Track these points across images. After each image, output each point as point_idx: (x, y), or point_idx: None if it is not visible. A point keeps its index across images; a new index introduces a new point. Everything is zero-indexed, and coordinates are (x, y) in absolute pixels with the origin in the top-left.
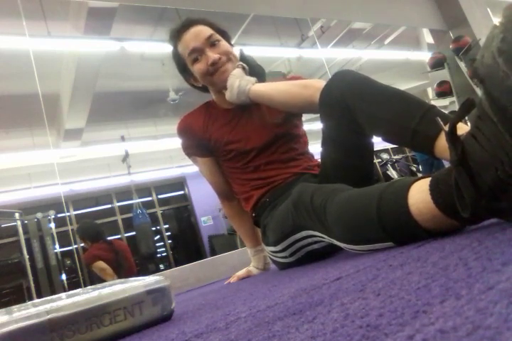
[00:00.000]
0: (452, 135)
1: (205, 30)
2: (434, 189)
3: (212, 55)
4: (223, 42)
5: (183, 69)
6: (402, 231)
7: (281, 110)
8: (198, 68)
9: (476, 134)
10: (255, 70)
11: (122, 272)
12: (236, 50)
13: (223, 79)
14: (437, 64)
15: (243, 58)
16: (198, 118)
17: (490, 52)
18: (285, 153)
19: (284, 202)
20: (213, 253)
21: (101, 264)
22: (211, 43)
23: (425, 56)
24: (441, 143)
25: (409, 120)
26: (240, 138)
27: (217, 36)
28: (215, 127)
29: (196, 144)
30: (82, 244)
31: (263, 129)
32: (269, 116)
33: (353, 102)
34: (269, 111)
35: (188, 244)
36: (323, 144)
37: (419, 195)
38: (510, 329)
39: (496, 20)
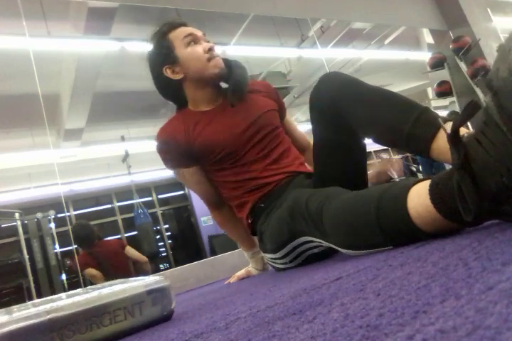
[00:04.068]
0: (455, 137)
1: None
2: (433, 192)
3: (208, 44)
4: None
5: (169, 57)
6: (402, 235)
7: (261, 106)
8: (194, 50)
9: (480, 139)
10: (237, 67)
11: (108, 276)
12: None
13: (219, 65)
14: (437, 64)
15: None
16: (178, 126)
17: (506, 65)
18: (273, 149)
19: (279, 208)
20: (213, 253)
21: (91, 271)
22: (205, 40)
23: (425, 56)
24: (437, 146)
25: (403, 123)
26: (224, 136)
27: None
28: (196, 131)
29: (181, 154)
30: None
31: (245, 126)
32: (248, 113)
33: (343, 105)
34: (250, 108)
35: (188, 244)
36: (315, 146)
37: (419, 198)
38: (510, 330)
39: (496, 20)
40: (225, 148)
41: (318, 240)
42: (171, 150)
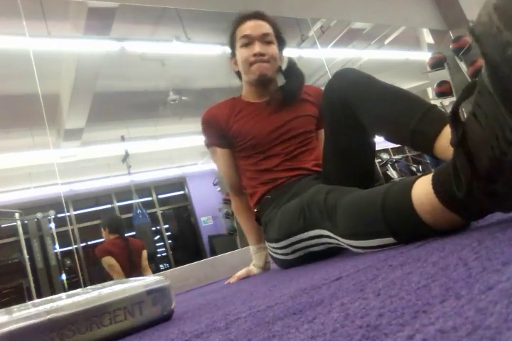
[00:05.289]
0: (454, 116)
1: (267, 27)
2: (435, 178)
3: (260, 48)
4: (274, 47)
5: (232, 50)
6: (403, 224)
7: (300, 110)
8: (242, 53)
9: (475, 111)
10: (297, 76)
11: (134, 271)
12: (285, 59)
13: (259, 72)
14: (437, 64)
15: (290, 64)
16: (224, 109)
17: (486, 10)
18: (296, 149)
19: (292, 200)
20: (213, 253)
21: (110, 260)
22: (265, 41)
23: (425, 56)
24: (441, 143)
25: (409, 119)
26: (255, 130)
27: (273, 39)
28: (237, 118)
29: (218, 134)
30: (83, 244)
31: (277, 125)
32: (286, 114)
33: (354, 101)
34: (290, 109)
35: (188, 244)
36: (326, 142)
37: (422, 186)
38: (510, 330)
39: None
40: (253, 139)
41: (327, 233)
42: (211, 129)
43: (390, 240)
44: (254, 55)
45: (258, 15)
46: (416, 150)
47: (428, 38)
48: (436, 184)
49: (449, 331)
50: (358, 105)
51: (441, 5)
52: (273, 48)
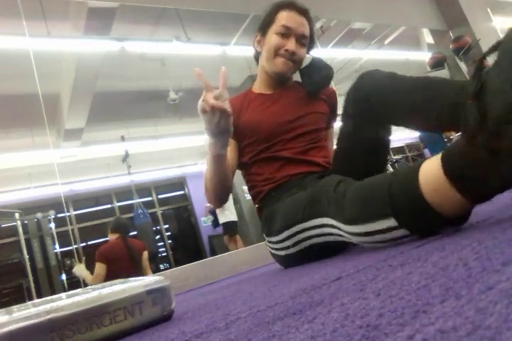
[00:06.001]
0: (478, 69)
1: (307, 29)
2: (444, 155)
3: (294, 46)
4: (304, 50)
5: (263, 29)
6: (407, 203)
7: (312, 107)
8: (274, 39)
9: (498, 59)
10: (322, 72)
11: (136, 271)
12: (308, 58)
13: (280, 69)
14: (437, 64)
15: (313, 61)
16: (237, 101)
17: None
18: (305, 145)
19: (301, 191)
20: (213, 253)
21: (100, 268)
22: (300, 41)
23: (425, 56)
24: None
25: (448, 96)
26: (266, 121)
27: (306, 42)
28: (248, 110)
29: None
30: (83, 244)
31: (289, 119)
32: (298, 108)
33: (384, 98)
34: (303, 104)
35: (188, 244)
36: (340, 140)
37: (431, 164)
38: (510, 330)
39: (496, 20)
40: (264, 131)
41: (330, 222)
42: None
43: (391, 222)
44: (286, 50)
45: (306, 13)
46: (454, 123)
47: (428, 38)
48: (444, 158)
49: (449, 331)
50: (390, 100)
51: (441, 5)
52: (303, 51)
